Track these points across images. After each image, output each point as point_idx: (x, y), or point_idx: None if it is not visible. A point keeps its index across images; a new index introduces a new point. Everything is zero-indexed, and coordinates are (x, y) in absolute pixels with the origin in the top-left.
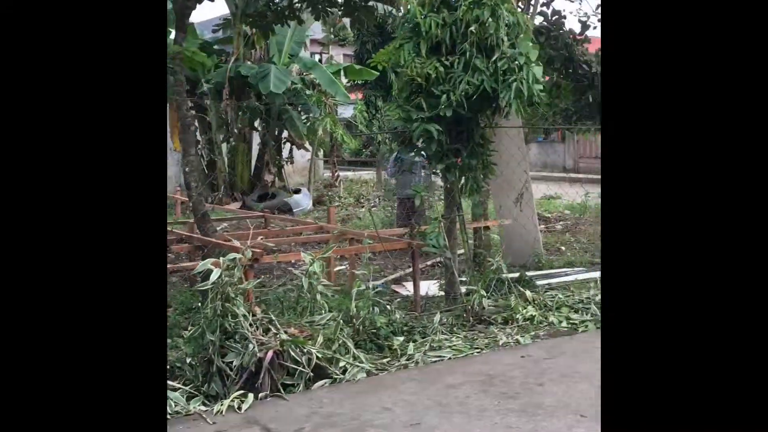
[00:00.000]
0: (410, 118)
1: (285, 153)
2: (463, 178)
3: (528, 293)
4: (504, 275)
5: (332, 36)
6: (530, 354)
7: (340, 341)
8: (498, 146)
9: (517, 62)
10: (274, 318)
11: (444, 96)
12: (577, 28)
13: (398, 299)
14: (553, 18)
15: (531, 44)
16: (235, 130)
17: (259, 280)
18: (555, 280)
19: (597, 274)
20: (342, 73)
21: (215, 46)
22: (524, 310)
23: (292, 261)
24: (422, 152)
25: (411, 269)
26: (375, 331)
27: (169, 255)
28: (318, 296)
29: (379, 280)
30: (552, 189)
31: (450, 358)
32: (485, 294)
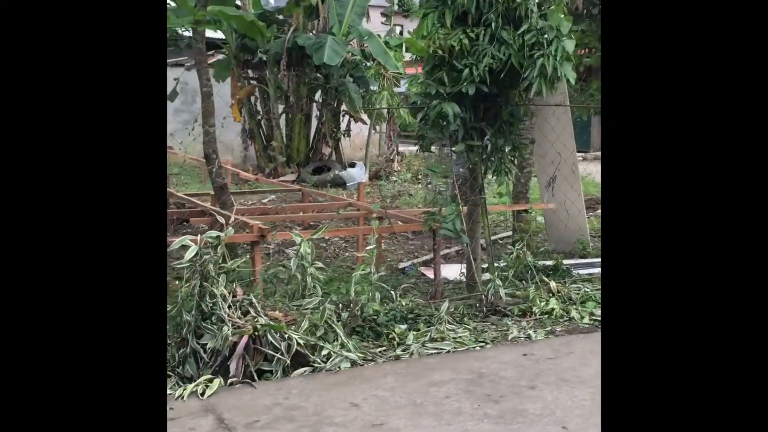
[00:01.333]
0: (429, 94)
1: (343, 126)
2: (490, 159)
3: (552, 284)
4: (534, 262)
5: (396, 7)
6: (534, 352)
7: (329, 327)
8: (542, 125)
9: (546, 36)
10: (255, 300)
11: (467, 70)
12: None
13: (424, 282)
14: None
15: (563, 16)
16: (293, 102)
17: (242, 261)
18: (596, 270)
19: None
20: (404, 46)
21: (278, 16)
22: (543, 303)
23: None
24: (441, 132)
25: (446, 251)
26: (375, 317)
27: (188, 227)
28: (309, 279)
29: (409, 262)
30: None
31: (448, 351)
32: (501, 284)
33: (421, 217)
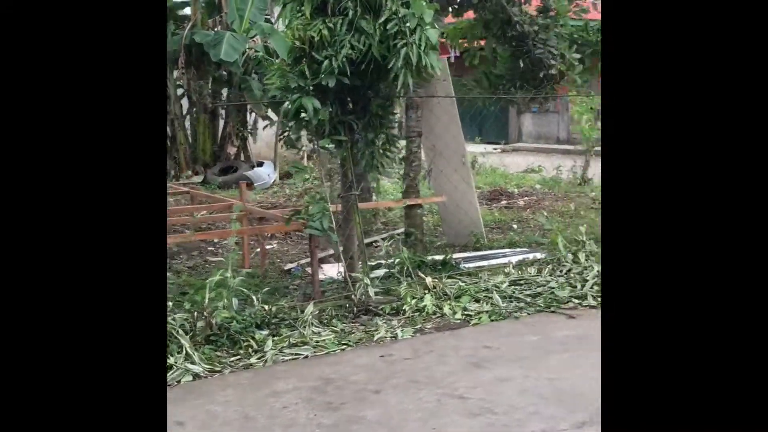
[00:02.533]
0: (289, 87)
1: (251, 124)
2: (360, 154)
3: (428, 280)
4: (420, 257)
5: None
6: (393, 353)
7: (174, 339)
8: (429, 117)
9: (408, 25)
10: None
11: (327, 62)
12: None
13: (309, 283)
14: None
15: (426, 4)
16: (195, 101)
17: None
18: (486, 263)
19: (536, 255)
20: None
21: (178, 12)
22: (415, 300)
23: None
24: (305, 127)
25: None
26: (230, 324)
27: None
28: None
29: (295, 263)
30: (543, 161)
31: (306, 357)
32: (370, 282)
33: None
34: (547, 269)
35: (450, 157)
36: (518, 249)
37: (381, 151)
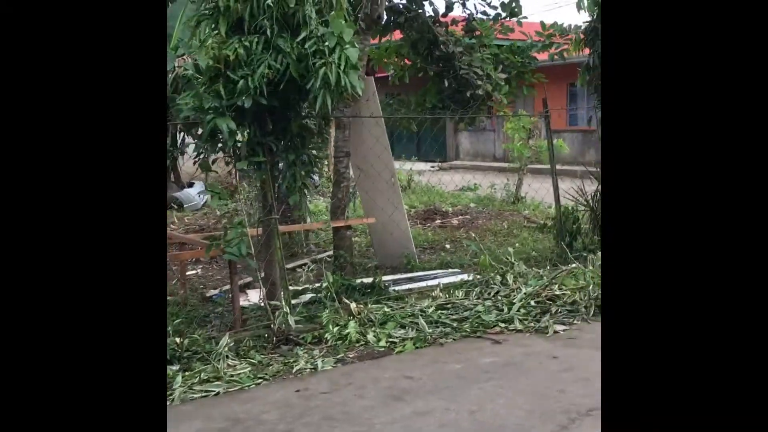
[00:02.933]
0: (202, 108)
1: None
2: (281, 176)
3: (353, 306)
4: (349, 281)
5: None
6: (309, 387)
7: None
8: (356, 138)
9: (327, 44)
10: None
11: (242, 82)
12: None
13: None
14: None
15: (345, 22)
16: None
17: None
18: (416, 285)
19: (466, 277)
20: None
21: None
22: (338, 328)
23: None
24: (221, 149)
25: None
26: None
27: None
28: None
29: (218, 289)
30: (479, 179)
31: (217, 394)
32: (290, 311)
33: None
34: (475, 292)
35: (377, 178)
36: (450, 270)
37: (303, 172)
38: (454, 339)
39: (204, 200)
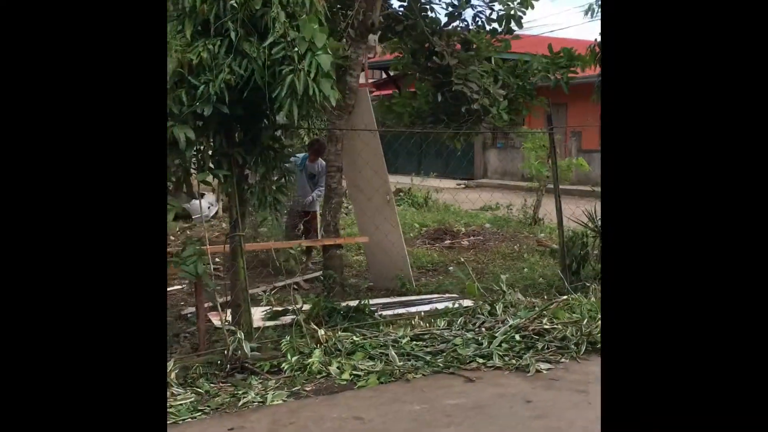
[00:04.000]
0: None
1: None
2: (250, 190)
3: (321, 332)
4: (331, 304)
5: None
6: (245, 426)
7: None
8: (351, 152)
9: (297, 49)
10: None
11: (203, 87)
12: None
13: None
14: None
15: (318, 27)
16: None
17: None
18: (405, 309)
19: (462, 303)
20: None
21: None
22: (297, 357)
23: None
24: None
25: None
26: None
27: None
28: None
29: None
30: (505, 198)
31: None
32: (243, 336)
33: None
34: (458, 322)
35: (373, 194)
36: (447, 295)
37: (274, 187)
38: (424, 374)
39: (214, 212)
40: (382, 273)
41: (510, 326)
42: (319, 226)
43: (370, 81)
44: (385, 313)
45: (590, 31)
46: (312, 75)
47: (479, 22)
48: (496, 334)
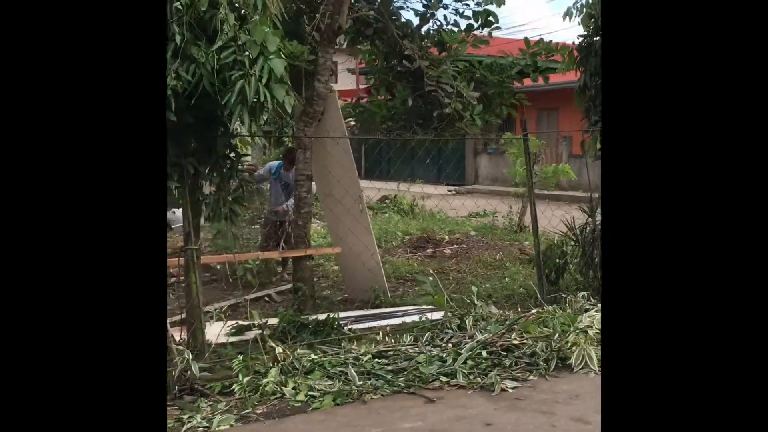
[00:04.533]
0: None
1: None
2: (204, 201)
3: (279, 350)
4: (296, 318)
5: None
6: None
7: None
8: (324, 160)
9: (248, 54)
10: None
11: None
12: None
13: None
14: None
15: (271, 30)
16: None
17: None
18: (377, 323)
19: (435, 315)
20: None
21: None
22: (251, 378)
23: None
24: None
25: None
26: None
27: None
28: None
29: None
30: (493, 205)
31: None
32: (190, 355)
33: None
34: (426, 336)
35: (346, 204)
36: (423, 307)
37: (230, 198)
38: (383, 395)
39: None
40: (357, 284)
41: (477, 342)
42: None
43: (362, 87)
44: (355, 326)
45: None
46: (264, 80)
47: (452, 21)
48: (462, 351)
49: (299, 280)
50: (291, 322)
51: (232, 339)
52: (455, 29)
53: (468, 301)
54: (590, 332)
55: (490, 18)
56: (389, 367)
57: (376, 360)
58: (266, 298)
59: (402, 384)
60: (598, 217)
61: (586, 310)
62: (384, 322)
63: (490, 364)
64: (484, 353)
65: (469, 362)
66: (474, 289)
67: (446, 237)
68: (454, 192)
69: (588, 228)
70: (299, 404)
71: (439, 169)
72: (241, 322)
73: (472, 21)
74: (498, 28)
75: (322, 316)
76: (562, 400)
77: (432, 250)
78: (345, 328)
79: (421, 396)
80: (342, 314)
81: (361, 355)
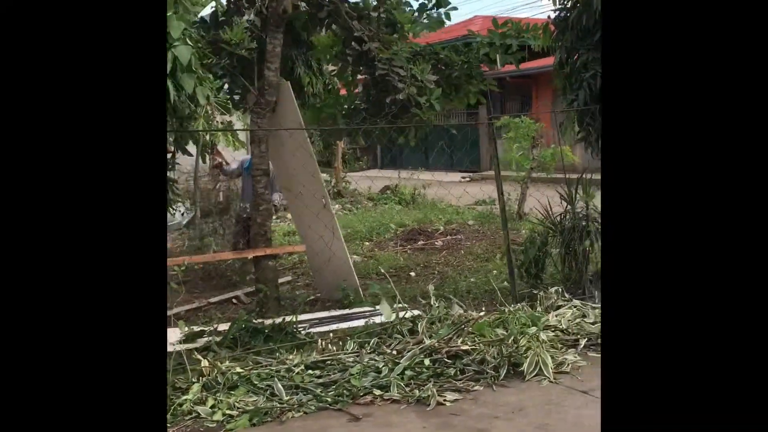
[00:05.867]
0: None
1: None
2: None
3: (204, 363)
4: (253, 324)
5: None
6: None
7: None
8: (281, 154)
9: None
10: None
11: None
12: None
13: None
14: None
15: (174, 14)
16: None
17: None
18: (336, 326)
19: (410, 313)
20: None
21: None
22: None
23: None
24: None
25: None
26: None
27: None
28: None
29: None
30: (509, 190)
31: None
32: None
33: None
34: (372, 342)
35: (309, 199)
36: (396, 306)
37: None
38: (306, 412)
39: (187, 220)
40: (327, 283)
41: (421, 348)
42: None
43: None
44: (315, 330)
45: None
46: (168, 69)
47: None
48: (400, 360)
49: (261, 281)
50: (244, 327)
51: (179, 348)
52: (406, 8)
53: (423, 301)
54: (543, 335)
55: None
56: (321, 380)
57: (311, 371)
58: (234, 300)
59: (330, 399)
60: (580, 204)
61: (558, 307)
62: (346, 325)
63: (432, 373)
64: (427, 361)
65: (408, 372)
66: (431, 287)
67: (441, 228)
68: (468, 179)
69: (568, 216)
70: (214, 425)
71: (452, 155)
72: (195, 328)
73: (425, 0)
74: (455, 8)
75: (281, 319)
76: (503, 414)
77: (423, 243)
78: (303, 332)
79: (348, 413)
80: (304, 317)
81: (295, 365)
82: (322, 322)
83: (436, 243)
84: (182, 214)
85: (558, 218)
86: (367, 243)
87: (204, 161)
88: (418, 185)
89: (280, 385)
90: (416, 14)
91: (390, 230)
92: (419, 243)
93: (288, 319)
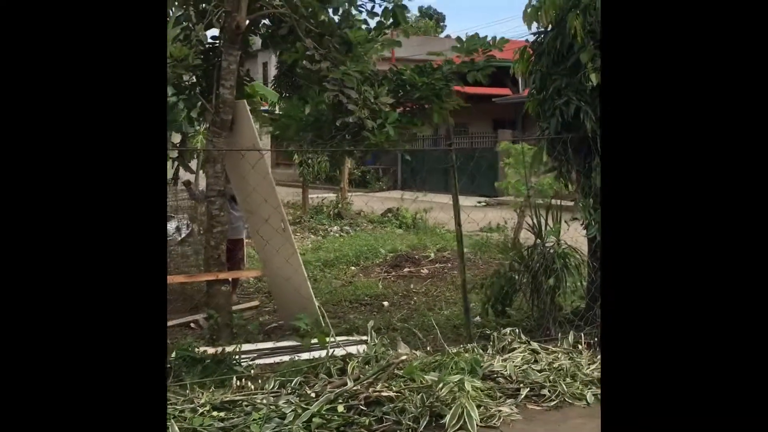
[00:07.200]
0: None
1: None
2: None
3: None
4: (192, 354)
5: None
6: None
7: None
8: (235, 175)
9: None
10: None
11: None
12: None
13: None
14: None
15: None
16: None
17: None
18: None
19: (355, 348)
20: None
21: None
22: None
23: None
24: None
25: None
26: None
27: None
28: None
29: None
30: (510, 217)
31: None
32: None
33: None
34: (294, 382)
35: (265, 223)
36: (357, 338)
37: None
38: None
39: (182, 236)
40: (289, 310)
41: (339, 392)
42: (245, 255)
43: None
44: (262, 361)
45: None
46: None
47: (362, 19)
48: (311, 406)
49: (213, 307)
50: (181, 357)
51: None
52: (363, 28)
53: (358, 338)
54: (478, 383)
55: (400, 17)
56: (222, 424)
57: (215, 413)
58: (192, 324)
59: None
60: (551, 239)
61: (513, 350)
62: (295, 356)
63: (342, 422)
64: (341, 408)
65: (317, 420)
66: (370, 324)
67: (432, 255)
68: (484, 203)
69: (537, 250)
70: None
71: (472, 179)
72: None
73: (382, 19)
74: (411, 25)
75: (221, 350)
76: None
77: (409, 270)
78: (244, 364)
79: None
80: (248, 347)
81: (201, 405)
82: (274, 352)
83: (422, 271)
84: (177, 230)
85: (526, 251)
86: (353, 268)
87: (174, 183)
88: (420, 209)
89: (176, 428)
90: (372, 33)
91: (379, 255)
92: (405, 270)
93: (228, 349)
